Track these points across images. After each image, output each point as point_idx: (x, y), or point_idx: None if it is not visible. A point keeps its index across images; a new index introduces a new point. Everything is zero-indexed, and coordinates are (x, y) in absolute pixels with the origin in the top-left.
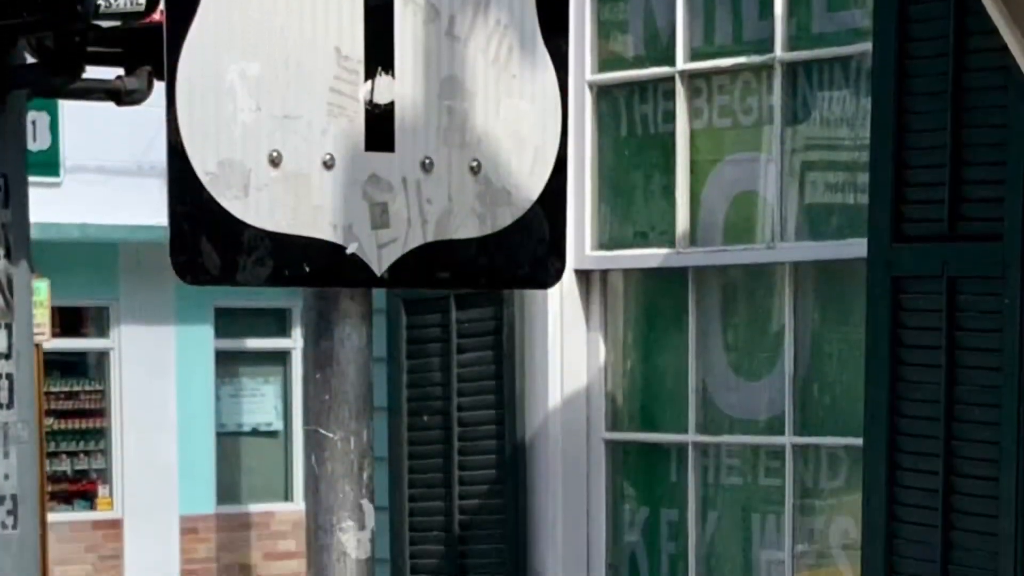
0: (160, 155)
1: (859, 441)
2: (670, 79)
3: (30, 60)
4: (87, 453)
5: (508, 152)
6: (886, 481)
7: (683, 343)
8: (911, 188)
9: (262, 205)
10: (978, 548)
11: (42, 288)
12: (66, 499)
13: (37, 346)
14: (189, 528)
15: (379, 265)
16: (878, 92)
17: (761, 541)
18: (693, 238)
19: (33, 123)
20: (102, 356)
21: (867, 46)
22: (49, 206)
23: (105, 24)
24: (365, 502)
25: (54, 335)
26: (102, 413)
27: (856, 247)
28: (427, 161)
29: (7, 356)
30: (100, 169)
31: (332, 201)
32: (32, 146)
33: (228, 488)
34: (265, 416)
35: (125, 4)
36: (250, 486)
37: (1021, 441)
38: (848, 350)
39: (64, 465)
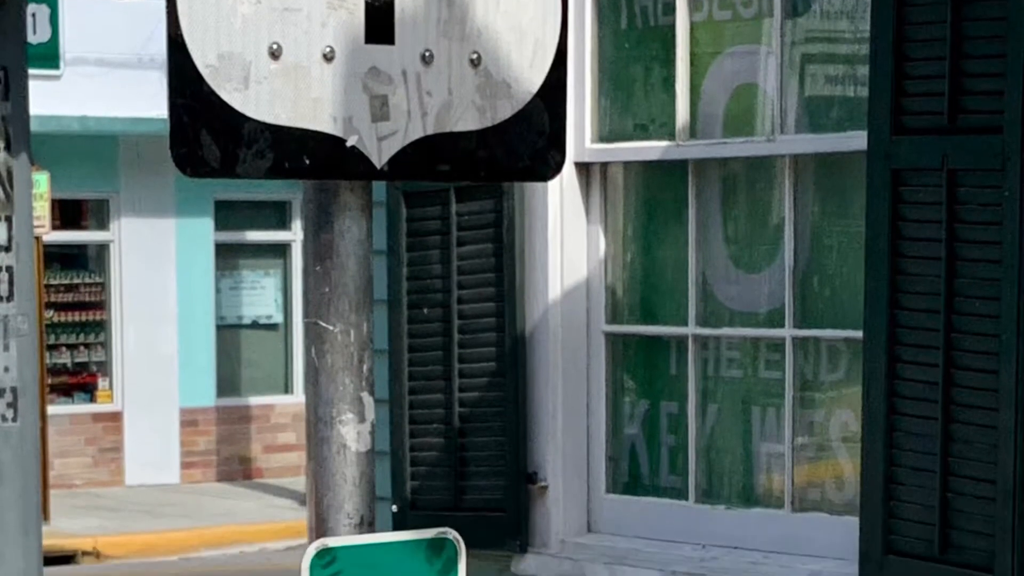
0: (160, 47)
1: (859, 334)
2: None
3: None
4: (87, 346)
5: (508, 45)
6: (886, 374)
7: (683, 236)
8: (911, 80)
9: (262, 98)
10: (978, 441)
11: (42, 181)
12: (66, 392)
13: (37, 239)
14: (189, 421)
15: (379, 157)
16: None
17: (761, 433)
18: (693, 131)
19: (33, 16)
20: (102, 248)
21: None
22: (49, 99)
23: None
24: (365, 394)
25: (54, 228)
26: (102, 306)
27: (856, 139)
28: (427, 54)
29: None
30: (100, 62)
31: (332, 94)
32: (32, 39)
33: (228, 381)
34: (265, 308)
35: None
36: (250, 379)
37: (1021, 334)
38: (848, 243)
39: (64, 358)
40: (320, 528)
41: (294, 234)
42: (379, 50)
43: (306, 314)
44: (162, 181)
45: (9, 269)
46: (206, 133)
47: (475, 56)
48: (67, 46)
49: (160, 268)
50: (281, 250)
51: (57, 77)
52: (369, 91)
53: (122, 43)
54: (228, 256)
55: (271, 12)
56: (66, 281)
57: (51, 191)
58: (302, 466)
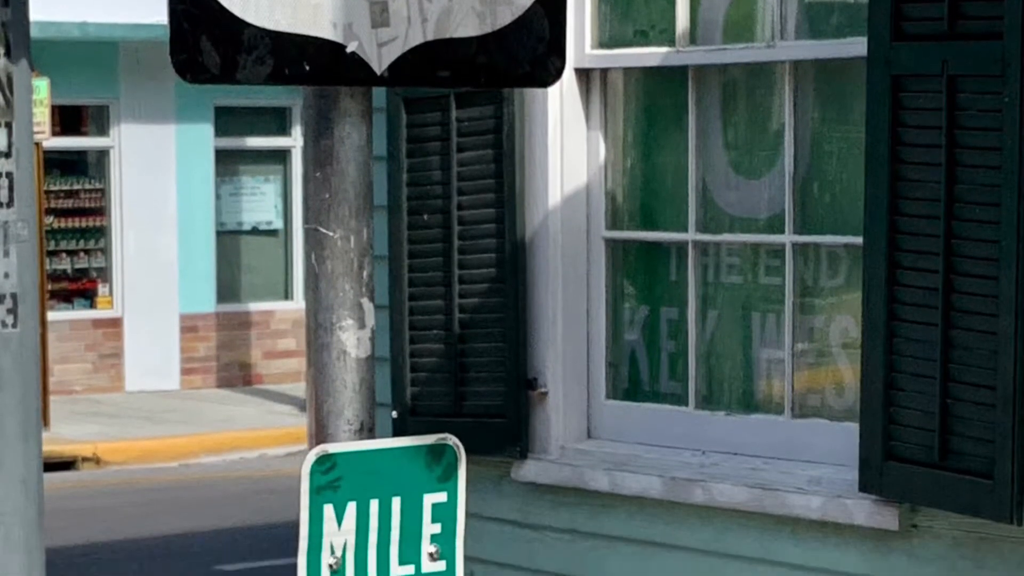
0: None
1: (859, 240)
2: None
3: None
4: (87, 252)
5: None
6: (886, 280)
7: (683, 142)
8: None
9: (262, 3)
10: (978, 347)
11: (42, 87)
12: (66, 298)
13: (37, 145)
14: (189, 327)
15: (379, 63)
16: None
17: (761, 340)
18: (693, 37)
19: None
20: (102, 155)
21: None
22: (49, 5)
23: None
24: (365, 300)
25: (54, 134)
26: (102, 211)
27: (856, 46)
28: None
29: (7, 154)
30: None
31: (332, 0)
32: None
33: (228, 287)
34: (265, 214)
35: None
36: (250, 285)
37: (1021, 240)
38: (848, 149)
39: (64, 264)
40: (320, 434)
41: (294, 140)
42: None
43: (306, 220)
44: (162, 87)
45: (9, 175)
46: (206, 39)
47: None
48: None
49: (160, 174)
50: (281, 156)
51: None
52: None
53: None
54: (228, 162)
55: None
56: (66, 187)
57: (51, 97)
58: (302, 372)
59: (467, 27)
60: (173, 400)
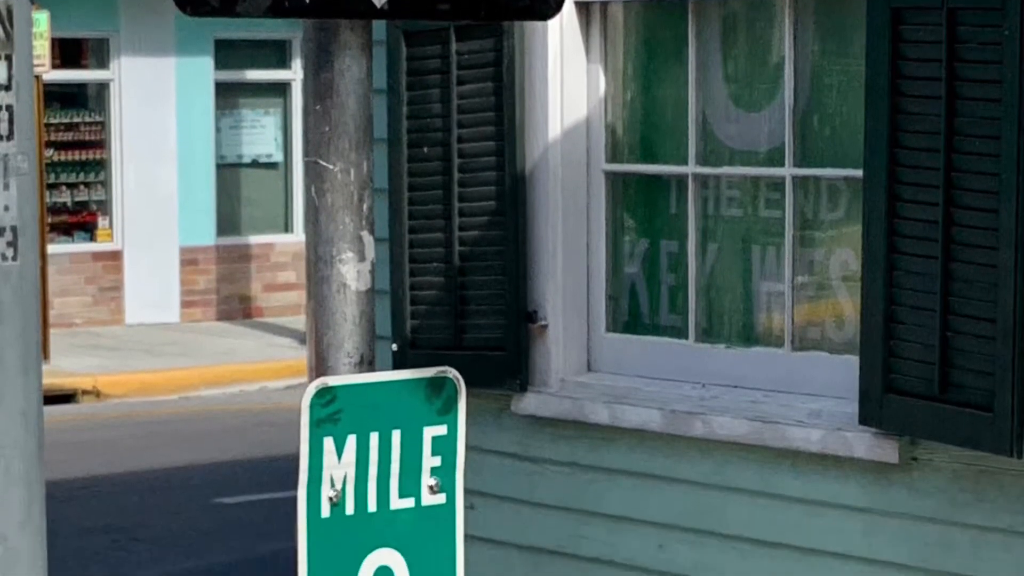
0: None
1: (859, 173)
2: None
3: None
4: (87, 185)
5: None
6: (886, 213)
7: (683, 74)
8: None
9: None
10: (978, 279)
11: (42, 19)
12: (66, 231)
13: (37, 78)
14: (189, 260)
15: None
16: None
17: (761, 272)
18: None
19: None
20: (102, 88)
21: None
22: None
23: None
24: (365, 233)
25: (54, 67)
26: (102, 144)
27: None
28: None
29: (7, 87)
30: None
31: None
32: None
33: (228, 219)
34: (265, 147)
35: None
36: (250, 217)
37: (1021, 172)
38: (848, 81)
39: (64, 197)
40: (320, 367)
41: (294, 73)
42: None
43: (306, 153)
44: (162, 20)
45: (9, 108)
46: None
47: None
48: None
49: (160, 107)
50: (281, 89)
51: None
52: None
53: None
54: (228, 95)
55: None
56: (66, 120)
57: (51, 30)
58: (302, 305)
59: None
60: (173, 333)
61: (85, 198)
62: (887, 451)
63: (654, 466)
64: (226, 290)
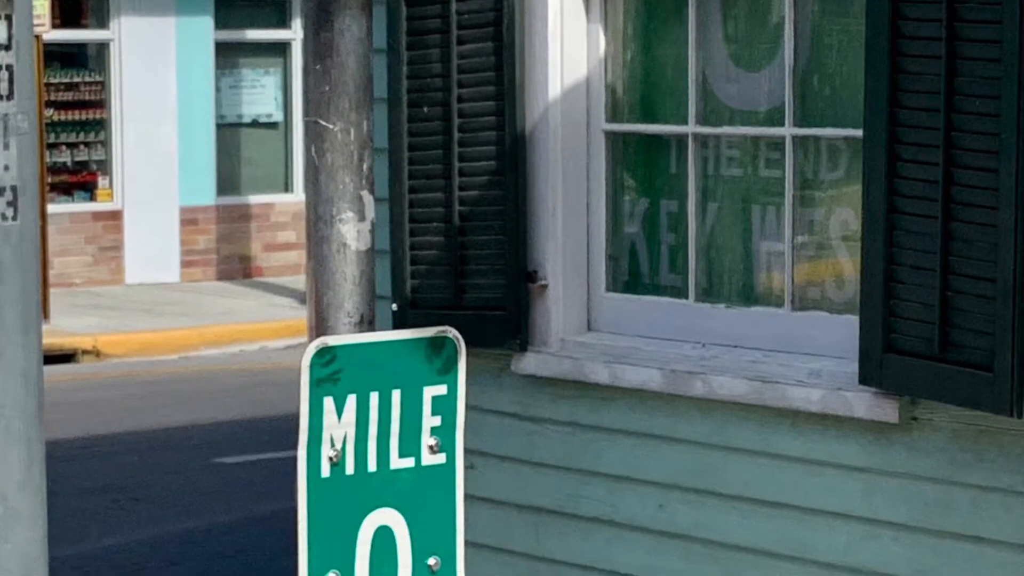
0: None
1: (859, 132)
2: None
3: None
4: (87, 144)
5: None
6: (886, 172)
7: (683, 34)
8: None
9: None
10: (977, 239)
11: None
12: (66, 190)
13: (37, 37)
14: (189, 219)
15: None
16: None
17: (761, 232)
18: None
19: None
20: (102, 47)
21: None
22: None
23: None
24: (365, 193)
25: (54, 26)
26: (102, 104)
27: None
28: None
29: (7, 47)
30: None
31: None
32: None
33: (228, 179)
34: (265, 107)
35: None
36: (250, 177)
37: (1021, 132)
38: (848, 41)
39: (64, 156)
40: (320, 327)
41: (294, 32)
42: None
43: (306, 113)
44: None
45: (9, 67)
46: None
47: None
48: None
49: (160, 67)
50: (281, 48)
51: None
52: None
53: None
54: (228, 55)
55: None
56: (66, 80)
57: None
58: (302, 265)
59: None
60: (173, 292)
61: (85, 158)
62: (887, 411)
63: (654, 426)
64: (226, 250)
